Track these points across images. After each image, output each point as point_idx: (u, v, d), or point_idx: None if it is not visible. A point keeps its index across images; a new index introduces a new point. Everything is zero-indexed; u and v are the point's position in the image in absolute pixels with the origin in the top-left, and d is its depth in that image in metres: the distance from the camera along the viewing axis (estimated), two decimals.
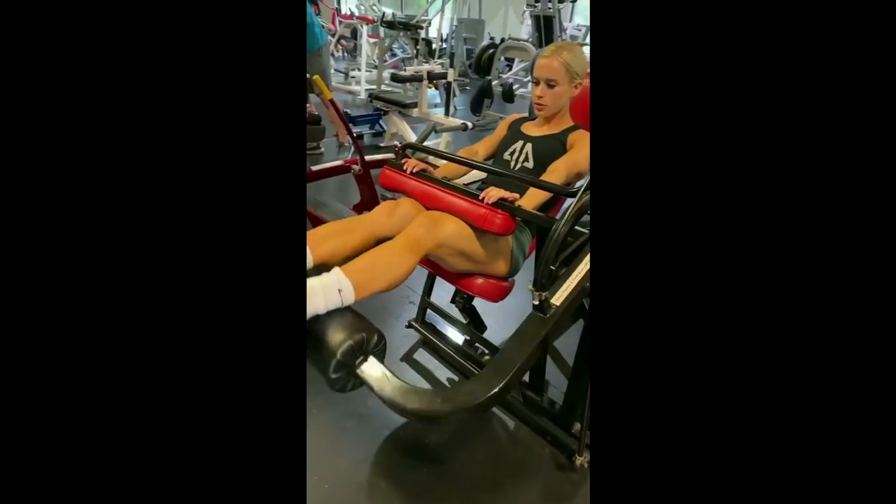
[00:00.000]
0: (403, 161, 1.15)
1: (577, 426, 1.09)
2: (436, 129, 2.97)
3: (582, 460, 1.06)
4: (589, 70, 1.17)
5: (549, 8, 4.47)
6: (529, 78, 4.64)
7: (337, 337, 0.76)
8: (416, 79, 3.17)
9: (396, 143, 3.35)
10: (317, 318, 0.79)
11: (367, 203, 2.03)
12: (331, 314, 0.80)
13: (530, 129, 1.25)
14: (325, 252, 0.93)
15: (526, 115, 1.35)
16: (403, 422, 1.22)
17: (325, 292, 0.79)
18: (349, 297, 0.82)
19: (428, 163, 1.22)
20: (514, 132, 1.27)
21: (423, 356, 1.46)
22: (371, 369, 0.78)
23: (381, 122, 3.84)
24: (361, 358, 0.79)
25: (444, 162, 1.28)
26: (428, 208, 1.07)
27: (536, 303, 0.86)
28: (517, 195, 0.98)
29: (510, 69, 5.48)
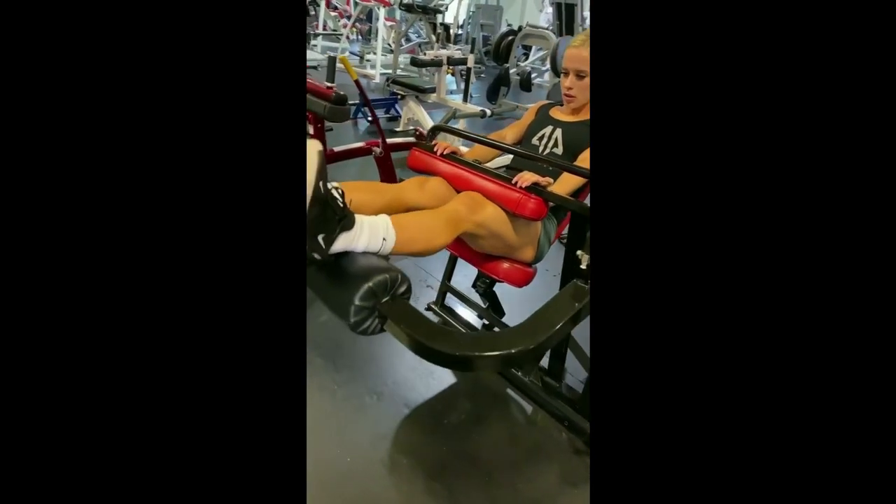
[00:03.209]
0: (434, 143, 1.15)
1: None
2: (455, 116, 2.95)
3: None
4: None
5: None
6: (547, 67, 4.58)
7: (362, 276, 0.71)
8: (435, 63, 3.15)
9: (412, 127, 3.34)
10: (346, 254, 0.76)
11: None
12: (359, 256, 0.77)
13: (559, 114, 1.24)
14: (355, 199, 0.87)
15: (552, 101, 1.34)
16: (422, 401, 1.24)
17: (371, 233, 0.77)
18: (387, 249, 0.80)
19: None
20: (543, 117, 1.26)
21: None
22: (398, 310, 0.73)
23: (396, 106, 3.82)
24: (388, 299, 0.73)
25: (470, 147, 1.28)
26: (458, 191, 1.07)
27: (584, 266, 0.83)
28: (550, 180, 0.98)
29: (526, 58, 5.41)
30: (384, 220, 0.81)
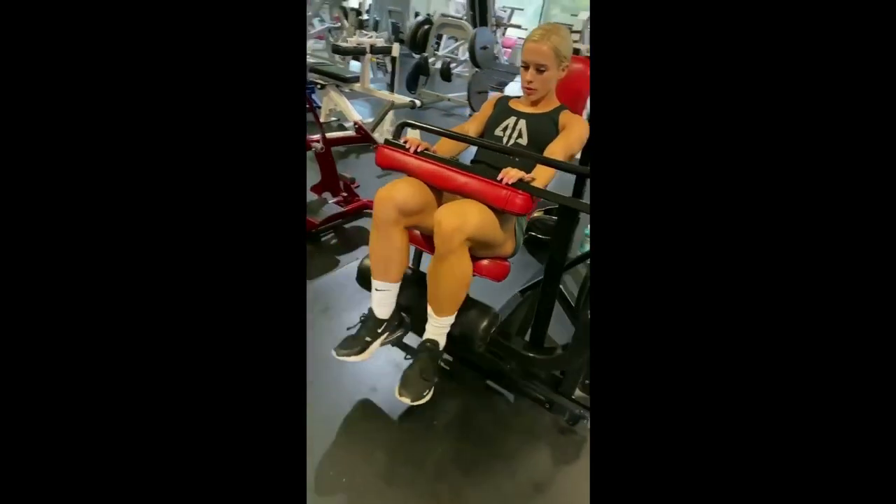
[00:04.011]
0: (405, 139, 1.10)
1: (579, 392, 1.17)
2: (393, 107, 2.85)
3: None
4: (572, 53, 1.21)
5: None
6: (466, 57, 4.63)
7: (479, 323, 1.07)
8: (359, 51, 3.00)
9: (335, 119, 3.17)
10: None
11: (327, 183, 1.91)
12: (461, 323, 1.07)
13: (521, 106, 1.25)
14: (395, 272, 1.07)
15: (508, 94, 1.36)
16: (404, 409, 1.20)
17: (442, 339, 1.07)
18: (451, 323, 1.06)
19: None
20: (503, 108, 1.27)
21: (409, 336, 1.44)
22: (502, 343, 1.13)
23: (314, 96, 3.59)
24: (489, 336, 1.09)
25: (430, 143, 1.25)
26: (435, 189, 1.05)
27: None
28: (534, 176, 0.99)
29: (438, 47, 5.40)
30: (437, 322, 1.05)
